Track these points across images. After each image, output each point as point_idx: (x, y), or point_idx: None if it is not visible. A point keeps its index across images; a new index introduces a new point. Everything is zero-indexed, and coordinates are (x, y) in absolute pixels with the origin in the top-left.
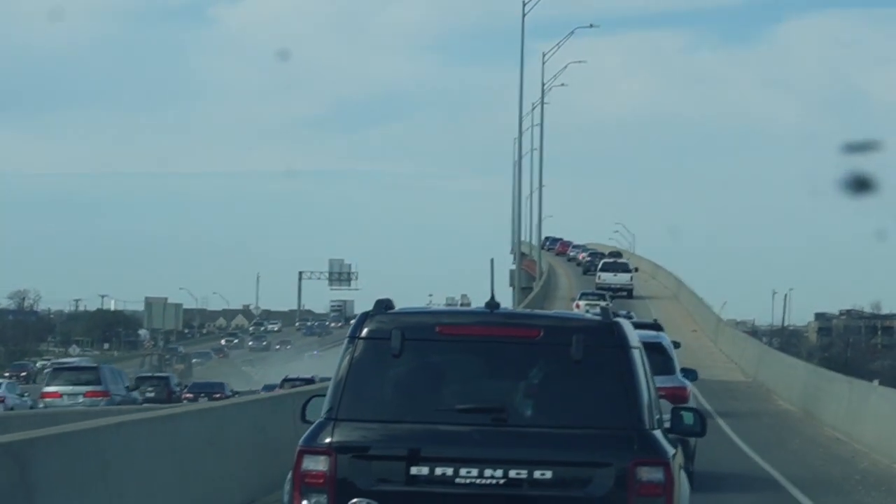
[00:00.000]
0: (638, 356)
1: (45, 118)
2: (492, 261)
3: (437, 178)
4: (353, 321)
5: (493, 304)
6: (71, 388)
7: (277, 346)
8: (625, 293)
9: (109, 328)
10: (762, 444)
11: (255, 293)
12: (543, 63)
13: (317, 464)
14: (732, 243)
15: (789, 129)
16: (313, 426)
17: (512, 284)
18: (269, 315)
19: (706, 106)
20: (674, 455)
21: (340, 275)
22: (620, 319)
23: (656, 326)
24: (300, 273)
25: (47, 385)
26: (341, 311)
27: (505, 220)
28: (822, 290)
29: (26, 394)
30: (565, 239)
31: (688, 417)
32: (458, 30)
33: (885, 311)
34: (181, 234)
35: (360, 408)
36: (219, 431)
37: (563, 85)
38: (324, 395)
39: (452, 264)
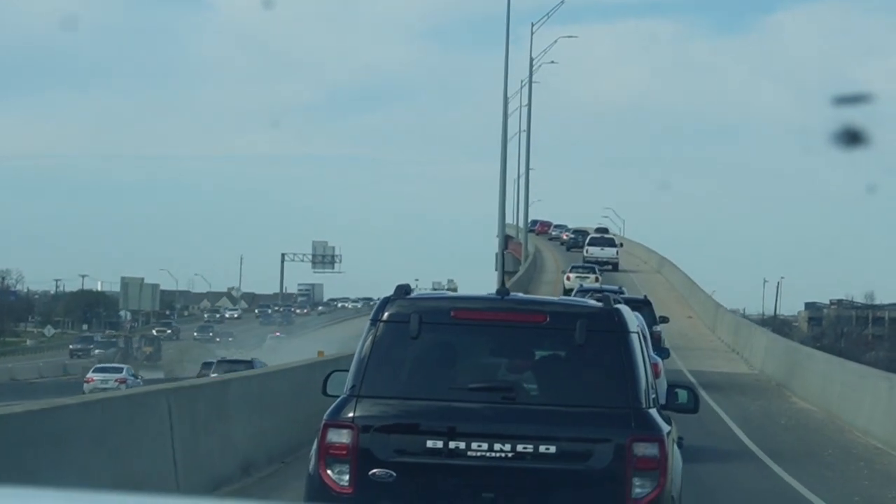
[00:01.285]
0: (636, 340)
1: (28, 98)
2: (503, 252)
3: (428, 163)
4: (321, 305)
5: (503, 290)
6: None
7: (218, 339)
8: (610, 266)
9: (89, 309)
10: (788, 453)
11: (254, 277)
12: (532, 33)
13: (340, 436)
14: (722, 231)
15: (780, 118)
16: (337, 401)
17: (497, 269)
18: (253, 298)
19: (698, 94)
20: (668, 432)
21: (324, 257)
22: (621, 306)
23: (646, 302)
24: (283, 255)
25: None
26: (309, 295)
27: (494, 204)
28: (813, 279)
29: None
30: (545, 220)
31: (682, 395)
32: (452, 15)
33: (878, 301)
34: (167, 216)
35: (380, 385)
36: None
37: (552, 62)
38: (343, 371)
39: (440, 249)
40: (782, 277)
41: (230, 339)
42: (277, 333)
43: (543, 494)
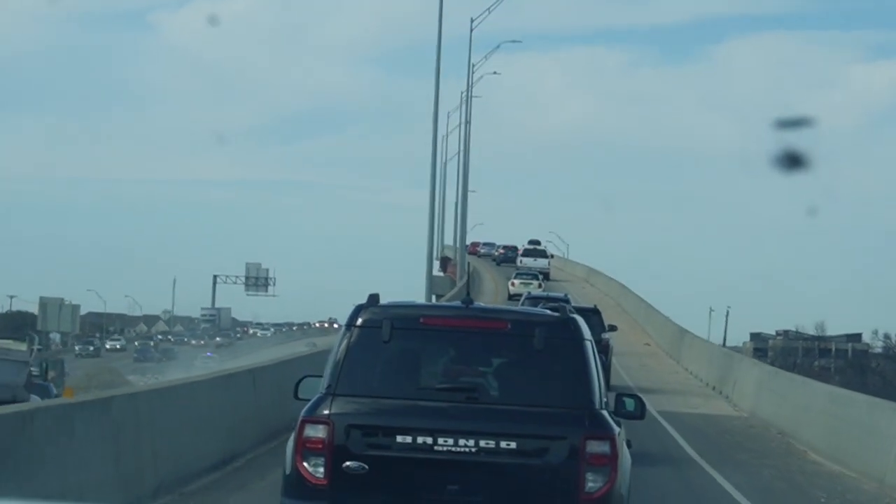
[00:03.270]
0: (590, 347)
1: None
2: (468, 264)
3: (370, 189)
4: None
5: (467, 300)
6: None
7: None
8: (542, 276)
9: (18, 330)
10: None
11: (187, 299)
12: (471, 72)
13: (317, 431)
14: (668, 259)
15: (726, 147)
16: (313, 399)
17: (433, 293)
18: (190, 321)
19: (646, 123)
20: (619, 432)
21: (257, 280)
22: (576, 316)
23: (595, 311)
24: (214, 277)
25: None
26: (214, 321)
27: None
28: (758, 309)
29: None
30: (474, 241)
31: (629, 403)
32: (400, 43)
33: (830, 332)
34: (103, 238)
35: (354, 385)
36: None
37: (495, 73)
38: (314, 377)
39: (379, 275)
40: (729, 307)
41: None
42: (209, 354)
43: (503, 486)
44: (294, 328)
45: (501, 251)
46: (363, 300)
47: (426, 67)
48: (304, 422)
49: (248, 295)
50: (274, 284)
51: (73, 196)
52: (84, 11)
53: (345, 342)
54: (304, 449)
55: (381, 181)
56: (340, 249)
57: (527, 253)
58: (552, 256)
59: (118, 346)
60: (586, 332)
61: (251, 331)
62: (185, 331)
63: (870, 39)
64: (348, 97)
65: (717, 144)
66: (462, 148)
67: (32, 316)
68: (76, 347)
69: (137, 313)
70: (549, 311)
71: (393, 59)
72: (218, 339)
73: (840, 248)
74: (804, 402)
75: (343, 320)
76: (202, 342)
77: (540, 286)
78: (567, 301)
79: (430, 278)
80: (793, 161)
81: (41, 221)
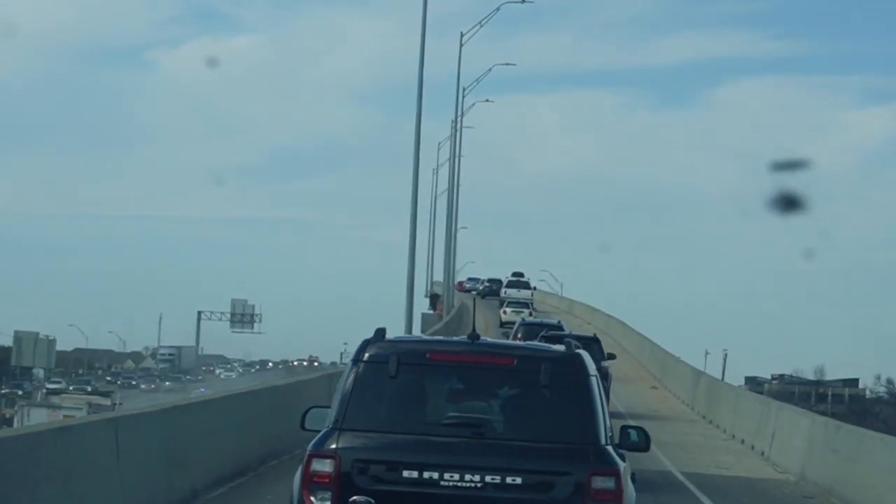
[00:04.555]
0: (595, 382)
1: None
2: (474, 300)
3: (364, 227)
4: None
5: (474, 335)
6: None
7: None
8: (526, 306)
9: (1, 365)
10: None
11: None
12: (463, 97)
13: (323, 465)
14: (663, 301)
15: (723, 191)
16: (321, 434)
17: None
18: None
19: (642, 165)
20: (624, 467)
21: (243, 316)
22: (581, 351)
23: (595, 340)
24: (199, 313)
25: None
26: (174, 361)
27: (423, 267)
28: (754, 353)
29: None
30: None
31: (633, 434)
32: (394, 81)
33: (828, 377)
34: (90, 275)
35: (361, 419)
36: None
37: (487, 100)
38: (321, 408)
39: (368, 313)
40: (725, 350)
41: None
42: (203, 389)
43: None
44: (269, 366)
45: (487, 284)
46: (352, 337)
47: (424, 108)
48: (311, 456)
49: (233, 332)
50: (260, 321)
51: (61, 232)
52: (81, 48)
53: (352, 376)
54: (311, 483)
55: (375, 219)
56: (332, 287)
57: (510, 284)
58: (535, 288)
59: (57, 389)
60: (592, 367)
61: (217, 371)
62: (137, 371)
63: (865, 84)
64: (343, 135)
65: (713, 187)
66: (452, 183)
67: (10, 350)
68: (46, 386)
69: (126, 349)
70: (554, 347)
71: (387, 97)
72: (167, 383)
73: (837, 292)
74: (885, 465)
75: (326, 358)
76: (153, 386)
77: (531, 314)
78: (560, 327)
79: (410, 317)
80: (789, 203)
81: (25, 256)
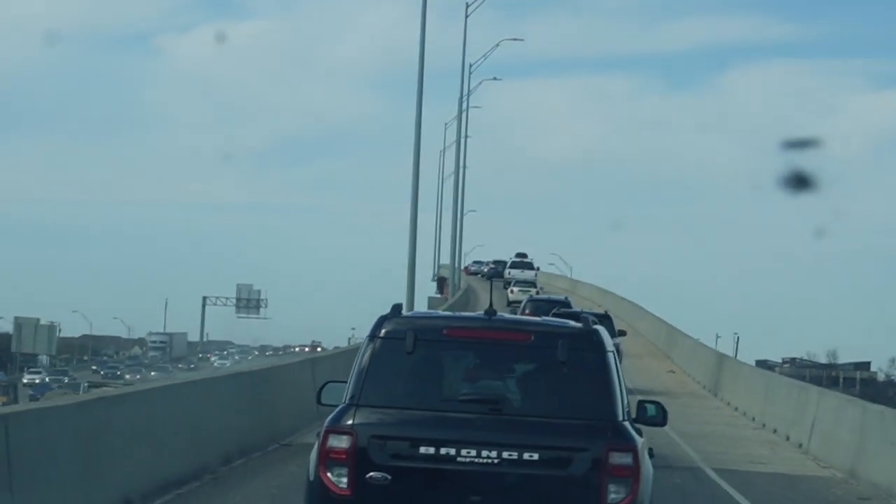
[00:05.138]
0: (612, 358)
1: None
2: (491, 280)
3: (374, 213)
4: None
5: (491, 311)
6: None
7: None
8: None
9: (4, 352)
10: None
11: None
12: (470, 74)
13: (340, 442)
14: (674, 284)
15: (734, 174)
16: (337, 409)
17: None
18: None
19: (652, 149)
20: (641, 443)
21: (249, 301)
22: (599, 327)
23: (606, 316)
24: (204, 298)
25: None
26: (165, 348)
27: (433, 252)
28: (765, 336)
29: None
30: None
31: (651, 409)
32: (405, 67)
33: (841, 360)
34: (97, 260)
35: (377, 396)
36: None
37: (495, 78)
38: (337, 382)
39: (376, 297)
40: (736, 333)
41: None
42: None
43: (526, 498)
44: (268, 353)
45: (492, 266)
46: (360, 322)
47: (431, 91)
48: (327, 432)
49: (238, 317)
50: (266, 306)
51: (68, 218)
52: (89, 34)
53: (368, 352)
54: (328, 459)
55: (384, 204)
56: (340, 272)
57: (514, 265)
58: (538, 269)
59: (37, 381)
60: (609, 343)
61: (213, 358)
62: (124, 360)
63: (874, 68)
64: (352, 120)
65: (722, 171)
66: (458, 162)
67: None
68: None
69: (133, 336)
70: (572, 323)
71: (397, 81)
72: (153, 373)
73: (851, 275)
74: None
75: (332, 343)
76: (137, 376)
77: (538, 292)
78: (568, 304)
79: (412, 296)
80: (800, 182)
81: (31, 242)
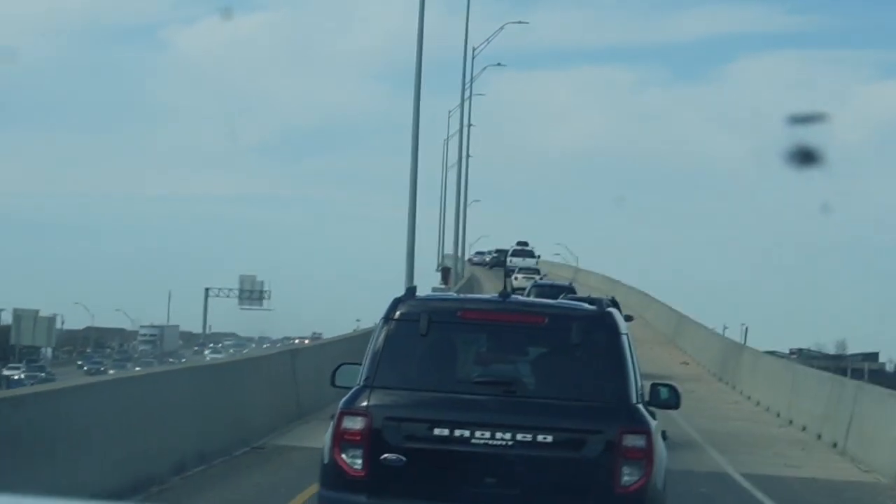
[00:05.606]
0: (626, 341)
1: None
2: (504, 262)
3: (379, 206)
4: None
5: (505, 294)
6: None
7: None
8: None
9: (6, 344)
10: None
11: (181, 313)
12: (473, 57)
13: (354, 423)
14: (679, 276)
15: (738, 167)
16: (352, 391)
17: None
18: (190, 336)
19: (657, 140)
20: (654, 426)
21: (252, 293)
22: (613, 310)
23: (614, 302)
24: (206, 290)
25: None
26: (155, 342)
27: (439, 245)
28: (772, 327)
29: None
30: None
31: (664, 392)
32: (411, 60)
33: (850, 351)
34: (100, 253)
35: (392, 377)
36: None
37: (499, 64)
38: (351, 364)
39: (380, 289)
40: (743, 324)
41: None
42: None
43: (540, 479)
44: (265, 345)
45: (494, 255)
46: (365, 314)
47: (437, 83)
48: (342, 413)
49: (241, 309)
50: (269, 298)
51: (73, 211)
52: (93, 27)
53: (383, 334)
54: (343, 440)
55: (390, 197)
56: (345, 264)
57: (515, 253)
58: (539, 257)
59: (15, 378)
60: (623, 325)
61: (206, 352)
62: (114, 354)
63: (881, 59)
64: (357, 113)
65: (728, 161)
66: (461, 148)
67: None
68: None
69: (136, 328)
70: (586, 306)
71: (403, 74)
72: (137, 368)
73: (859, 264)
74: None
75: (331, 335)
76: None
77: (541, 279)
78: (573, 289)
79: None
80: (806, 156)
81: (34, 235)
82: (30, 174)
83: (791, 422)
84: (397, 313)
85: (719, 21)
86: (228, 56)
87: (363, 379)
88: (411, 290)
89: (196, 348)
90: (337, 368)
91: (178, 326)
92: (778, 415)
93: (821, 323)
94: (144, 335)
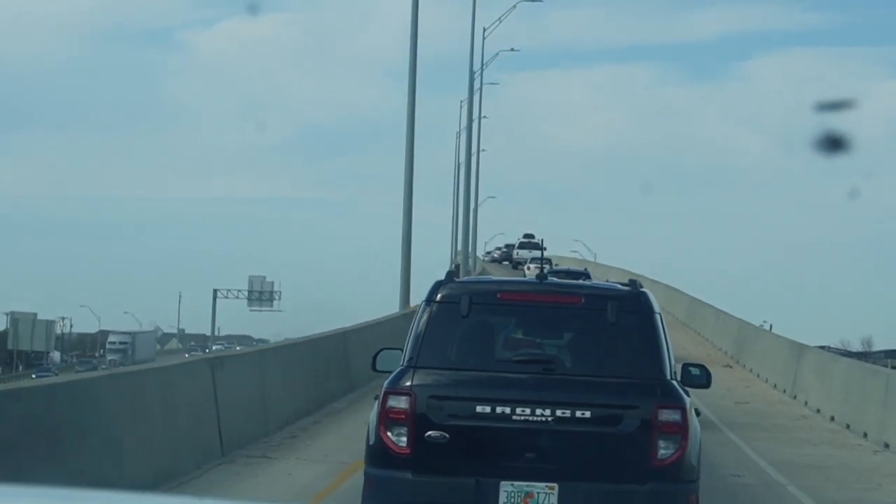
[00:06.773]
0: (659, 320)
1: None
2: (542, 247)
3: (389, 205)
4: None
5: (542, 276)
6: None
7: None
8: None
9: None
10: None
11: (191, 315)
12: (483, 39)
13: (399, 402)
14: (702, 273)
15: (757, 164)
16: (396, 371)
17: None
18: (196, 339)
19: (675, 138)
20: (689, 401)
21: (261, 294)
22: (646, 290)
23: (635, 284)
24: (215, 291)
25: None
26: (126, 350)
27: (448, 238)
28: (797, 323)
29: None
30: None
31: (695, 371)
32: (427, 59)
33: (876, 347)
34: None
35: (435, 357)
36: None
37: (512, 48)
38: (392, 349)
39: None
40: (764, 321)
41: None
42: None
43: (579, 454)
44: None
45: (504, 249)
46: (376, 314)
47: (452, 82)
48: (387, 393)
49: (251, 310)
50: (279, 299)
51: (84, 214)
52: (111, 29)
53: (425, 316)
54: (388, 419)
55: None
56: (357, 264)
57: (522, 245)
58: (546, 249)
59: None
60: (656, 305)
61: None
62: (77, 363)
63: None
64: (372, 112)
65: (747, 158)
66: (470, 140)
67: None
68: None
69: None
70: (620, 286)
71: (422, 71)
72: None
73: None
74: None
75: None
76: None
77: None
78: (588, 275)
79: (406, 293)
80: (834, 143)
81: (48, 238)
82: (42, 175)
83: (888, 445)
84: (439, 296)
85: (736, 19)
86: (246, 57)
87: (406, 359)
88: (451, 274)
89: (187, 355)
90: (378, 353)
91: (154, 332)
92: (865, 435)
93: (847, 319)
94: (113, 342)
